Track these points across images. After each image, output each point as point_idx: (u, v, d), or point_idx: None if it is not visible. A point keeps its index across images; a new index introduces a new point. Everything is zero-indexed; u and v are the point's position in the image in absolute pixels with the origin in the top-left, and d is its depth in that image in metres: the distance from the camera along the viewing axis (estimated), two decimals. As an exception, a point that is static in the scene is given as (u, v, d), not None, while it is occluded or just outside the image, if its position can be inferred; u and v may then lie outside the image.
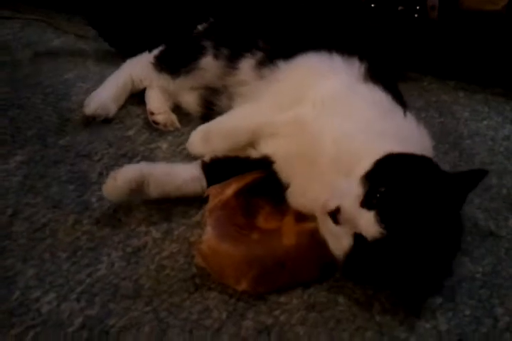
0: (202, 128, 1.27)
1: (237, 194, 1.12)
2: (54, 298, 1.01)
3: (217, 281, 1.05)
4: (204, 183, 1.20)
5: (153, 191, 1.16)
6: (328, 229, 1.01)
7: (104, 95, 1.47)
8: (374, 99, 1.16)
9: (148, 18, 1.62)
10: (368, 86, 1.18)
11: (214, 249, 1.04)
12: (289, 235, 1.06)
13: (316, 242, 1.04)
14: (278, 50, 1.31)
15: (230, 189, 1.11)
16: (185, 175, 1.19)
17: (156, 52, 1.50)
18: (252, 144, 1.21)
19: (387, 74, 1.31)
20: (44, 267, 1.06)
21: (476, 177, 1.01)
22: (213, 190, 1.13)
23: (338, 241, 0.99)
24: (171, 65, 1.46)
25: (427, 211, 0.95)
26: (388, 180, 0.97)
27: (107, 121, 1.44)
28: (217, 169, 1.21)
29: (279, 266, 1.03)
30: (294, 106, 1.16)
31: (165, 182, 1.17)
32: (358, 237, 0.95)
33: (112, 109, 1.46)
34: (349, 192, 0.98)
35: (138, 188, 1.14)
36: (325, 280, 1.08)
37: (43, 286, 1.03)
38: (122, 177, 1.13)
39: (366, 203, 0.96)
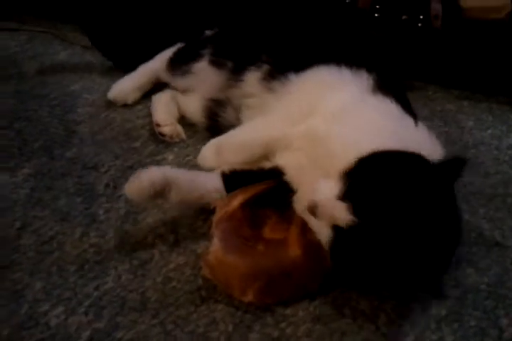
0: (214, 142, 1.28)
1: (244, 205, 1.12)
2: (62, 311, 1.02)
3: (224, 293, 1.06)
4: (224, 195, 1.18)
5: (175, 197, 1.14)
6: (314, 227, 1.02)
7: (127, 83, 1.58)
8: (384, 110, 1.16)
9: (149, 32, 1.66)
10: (378, 97, 1.18)
11: (220, 261, 1.05)
12: (295, 245, 1.07)
13: (322, 252, 1.05)
14: (286, 62, 1.31)
15: (236, 200, 1.12)
16: (209, 185, 1.18)
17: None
18: (265, 157, 1.21)
19: (396, 84, 1.31)
20: (52, 280, 1.07)
21: (456, 166, 0.99)
22: (220, 202, 1.14)
23: (322, 236, 1.00)
24: (171, 64, 1.53)
25: (404, 201, 0.93)
26: (366, 174, 0.97)
27: (126, 105, 1.56)
28: (236, 180, 1.20)
29: (286, 276, 1.04)
30: (305, 119, 1.16)
31: (188, 189, 1.16)
32: (337, 229, 0.96)
33: (131, 97, 1.56)
34: (327, 188, 0.99)
35: (161, 191, 1.12)
36: (330, 291, 1.08)
37: (51, 300, 1.04)
38: (147, 178, 1.11)
39: (343, 196, 0.96)
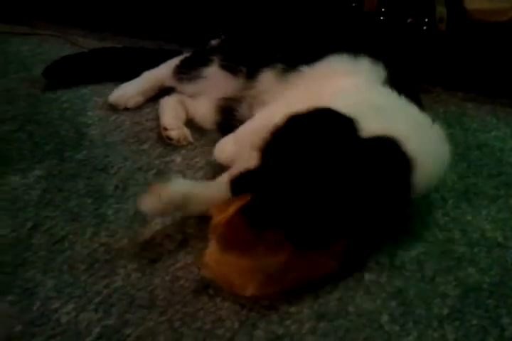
0: (230, 135, 1.30)
1: (241, 211, 1.10)
2: (73, 308, 1.04)
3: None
4: None
5: (190, 211, 1.17)
6: None
7: (129, 87, 1.61)
8: (389, 97, 1.19)
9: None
10: (387, 89, 1.21)
11: (218, 261, 1.05)
12: None
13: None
14: (299, 57, 1.34)
15: (233, 207, 1.10)
16: (223, 195, 1.17)
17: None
18: None
19: (410, 84, 1.34)
20: (63, 278, 1.10)
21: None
22: (215, 209, 1.12)
23: None
24: (179, 70, 1.56)
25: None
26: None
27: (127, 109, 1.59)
28: (244, 183, 1.19)
29: (285, 268, 1.03)
30: (313, 103, 1.18)
31: (204, 204, 1.16)
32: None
33: (132, 101, 1.59)
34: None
35: (178, 207, 1.15)
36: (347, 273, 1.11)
37: (62, 297, 1.06)
38: (167, 198, 1.12)
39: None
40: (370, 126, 1.07)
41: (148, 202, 1.13)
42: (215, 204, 1.16)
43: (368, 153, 1.05)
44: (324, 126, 1.07)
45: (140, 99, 1.61)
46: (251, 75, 1.39)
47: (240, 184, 1.19)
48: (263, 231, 1.06)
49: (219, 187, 1.21)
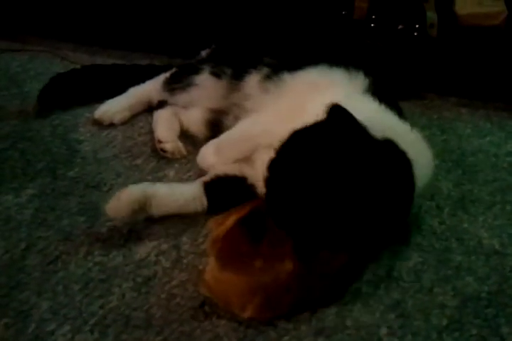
0: (212, 142, 1.33)
1: (240, 223, 1.13)
2: (68, 330, 1.04)
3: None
4: (205, 202, 1.26)
5: (156, 211, 1.23)
6: None
7: (115, 103, 1.60)
8: (368, 107, 1.19)
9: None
10: (367, 98, 1.22)
11: (217, 279, 1.06)
12: (290, 258, 1.07)
13: (321, 260, 1.06)
14: (284, 63, 1.36)
15: (231, 219, 1.12)
16: (187, 195, 1.26)
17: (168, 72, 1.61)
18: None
19: (390, 93, 1.33)
20: (58, 300, 1.09)
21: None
22: (213, 222, 1.15)
23: None
24: (169, 82, 1.56)
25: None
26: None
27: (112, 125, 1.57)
28: (218, 187, 1.27)
29: (284, 290, 1.04)
30: (295, 118, 1.17)
31: (167, 203, 1.24)
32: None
33: (118, 117, 1.58)
34: None
35: (140, 208, 1.21)
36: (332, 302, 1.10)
37: (58, 319, 1.06)
38: (126, 199, 1.19)
39: None
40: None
41: (111, 208, 1.20)
42: (213, 217, 1.18)
43: (376, 160, 1.03)
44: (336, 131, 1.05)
45: (126, 114, 1.59)
46: (238, 76, 1.41)
47: (213, 187, 1.27)
48: (261, 243, 1.07)
49: (186, 188, 1.28)
